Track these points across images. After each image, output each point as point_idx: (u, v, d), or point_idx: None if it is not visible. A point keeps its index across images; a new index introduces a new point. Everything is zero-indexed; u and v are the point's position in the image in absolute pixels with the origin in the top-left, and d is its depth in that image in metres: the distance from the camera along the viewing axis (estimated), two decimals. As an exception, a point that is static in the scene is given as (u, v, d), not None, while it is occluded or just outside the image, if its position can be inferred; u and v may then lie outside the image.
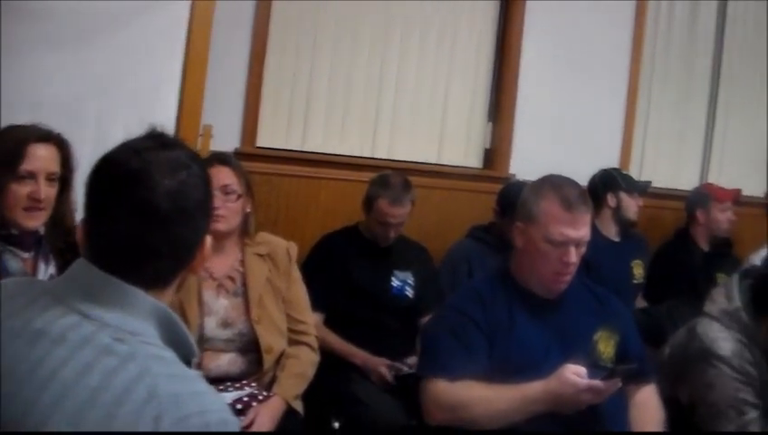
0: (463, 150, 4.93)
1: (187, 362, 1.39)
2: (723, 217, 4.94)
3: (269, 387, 3.02)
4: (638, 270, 4.69)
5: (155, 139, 1.43)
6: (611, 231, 4.68)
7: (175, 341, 1.40)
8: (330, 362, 3.55)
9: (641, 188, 4.73)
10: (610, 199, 4.65)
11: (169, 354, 1.35)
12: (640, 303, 4.73)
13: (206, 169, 1.47)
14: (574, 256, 2.57)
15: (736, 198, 5.06)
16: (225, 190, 3.00)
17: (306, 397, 3.15)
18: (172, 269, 1.43)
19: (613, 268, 4.54)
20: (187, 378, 1.33)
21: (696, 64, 5.71)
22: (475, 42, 4.93)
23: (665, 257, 4.90)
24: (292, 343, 3.12)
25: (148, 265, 1.38)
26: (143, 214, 1.35)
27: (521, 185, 3.46)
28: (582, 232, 2.58)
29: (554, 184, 2.63)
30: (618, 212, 4.66)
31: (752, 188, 5.89)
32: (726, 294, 2.83)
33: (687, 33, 5.65)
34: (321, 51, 4.52)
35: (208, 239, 1.47)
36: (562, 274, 2.60)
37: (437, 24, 4.81)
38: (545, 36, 4.98)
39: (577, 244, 2.57)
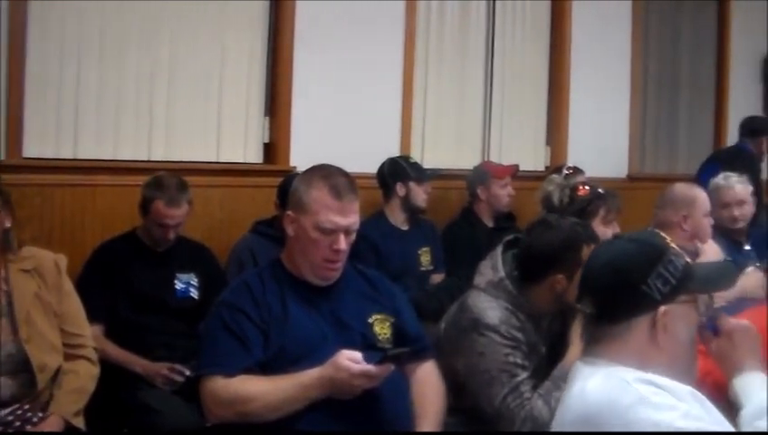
0: (242, 146, 4.89)
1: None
2: (502, 192, 5.13)
3: (47, 407, 2.88)
4: (426, 257, 4.80)
5: None
6: (399, 219, 4.77)
7: None
8: (116, 372, 3.48)
9: (429, 176, 4.82)
10: (399, 189, 4.74)
11: None
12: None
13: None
14: (344, 244, 2.62)
15: (514, 173, 5.27)
16: (-24, 207, 2.84)
17: (93, 411, 3.04)
18: None
19: (402, 256, 4.65)
20: None
21: (471, 45, 5.91)
22: (247, 37, 4.89)
23: (451, 236, 5.05)
24: (68, 357, 2.98)
25: None
26: None
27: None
28: (351, 219, 2.64)
29: (323, 173, 2.67)
30: (407, 200, 4.75)
31: (532, 163, 6.19)
32: (492, 266, 2.93)
33: (460, 15, 5.83)
34: (88, 53, 4.34)
35: None
36: (333, 261, 2.64)
37: (208, 21, 4.74)
38: (318, 29, 5.00)
39: (346, 231, 2.63)
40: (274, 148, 4.93)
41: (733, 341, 2.01)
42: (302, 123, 4.94)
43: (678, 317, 1.89)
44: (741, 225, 4.46)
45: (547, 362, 2.83)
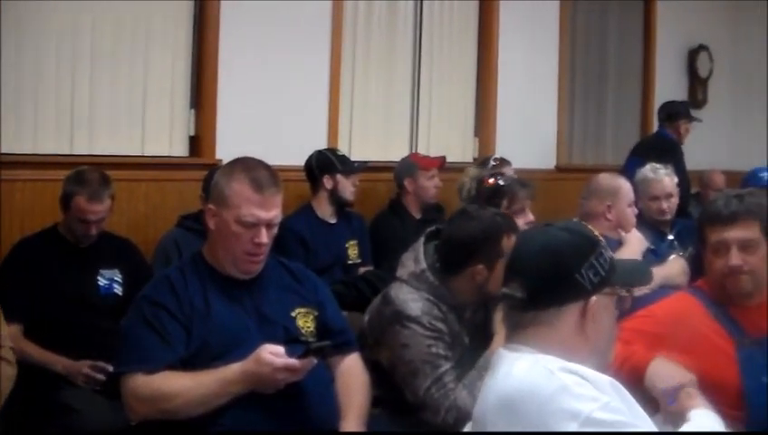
0: (167, 139, 4.81)
1: None
2: (429, 184, 5.15)
3: (-39, 412, 2.81)
4: (354, 250, 4.78)
5: None
6: (327, 212, 4.74)
7: None
8: (36, 372, 3.41)
9: (356, 169, 4.80)
10: (327, 181, 4.71)
11: None
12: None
13: None
14: (266, 237, 2.60)
15: (441, 165, 5.29)
16: None
17: (12, 413, 2.97)
18: None
19: (330, 249, 4.64)
20: None
21: (398, 38, 5.91)
22: (172, 28, 4.81)
23: (379, 228, 5.05)
24: (-17, 359, 2.91)
25: None
26: None
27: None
28: (273, 213, 2.62)
29: (245, 166, 2.64)
30: (334, 193, 4.72)
31: (461, 155, 6.22)
32: (414, 258, 2.94)
33: (388, 8, 5.83)
34: (6, 44, 4.21)
35: None
36: (255, 254, 2.62)
37: (132, 12, 4.65)
38: (244, 22, 4.95)
39: (268, 224, 2.60)
40: (200, 141, 4.87)
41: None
42: (229, 116, 4.89)
43: (603, 308, 1.92)
44: (668, 217, 4.53)
45: (471, 352, 2.85)
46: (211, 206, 2.65)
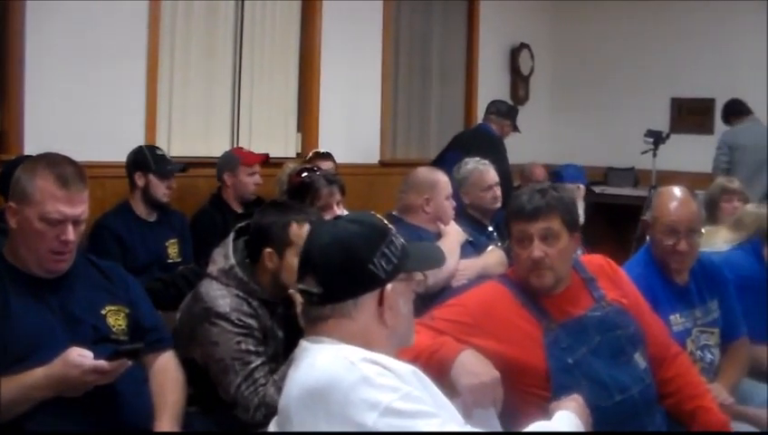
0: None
1: None
2: (249, 179, 5.10)
3: None
4: (174, 249, 4.68)
5: None
6: (145, 211, 4.61)
7: None
8: None
9: (170, 172, 4.64)
10: (138, 179, 4.57)
11: None
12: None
13: None
14: (72, 234, 2.51)
15: (264, 161, 5.25)
16: None
17: None
18: None
19: (148, 248, 4.52)
20: None
21: (219, 33, 5.84)
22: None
23: (200, 223, 4.98)
24: None
25: None
26: None
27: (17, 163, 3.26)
28: (80, 209, 2.53)
29: (48, 162, 2.55)
30: (146, 192, 4.59)
31: (283, 150, 6.20)
32: (224, 254, 2.92)
33: (208, 6, 5.73)
34: None
35: None
36: (61, 252, 2.52)
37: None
38: (54, 13, 4.77)
39: (75, 221, 2.52)
40: (6, 136, 4.67)
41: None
42: (37, 111, 4.71)
43: (399, 294, 1.96)
44: (499, 204, 4.65)
45: (285, 347, 2.84)
46: (12, 204, 2.53)
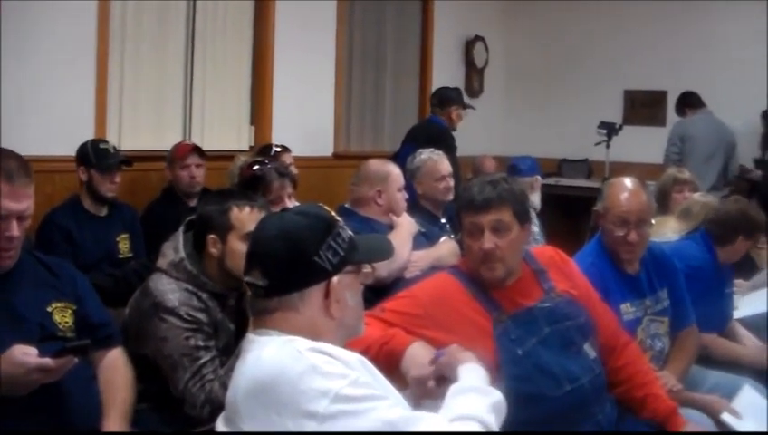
0: None
1: None
2: (184, 172, 5.04)
3: None
4: (125, 244, 4.61)
5: None
6: (92, 206, 4.53)
7: None
8: None
9: (110, 168, 4.50)
10: (82, 174, 4.48)
11: None
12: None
13: None
14: (17, 230, 2.45)
15: (199, 152, 5.15)
16: None
17: None
18: None
19: (98, 244, 4.46)
20: None
21: (171, 26, 5.77)
22: None
23: (151, 217, 4.92)
24: None
25: None
26: None
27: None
28: (24, 204, 2.46)
29: None
30: (90, 187, 4.50)
31: (236, 143, 6.17)
32: (174, 247, 2.90)
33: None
34: None
35: None
36: (6, 249, 2.46)
37: None
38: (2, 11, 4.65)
39: (19, 217, 2.45)
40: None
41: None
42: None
43: (346, 286, 1.96)
44: (452, 196, 4.66)
45: (237, 339, 2.82)
46: (-49, 200, 2.47)
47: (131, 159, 4.73)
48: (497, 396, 1.99)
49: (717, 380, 3.52)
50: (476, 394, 1.96)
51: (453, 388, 2.01)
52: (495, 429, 1.90)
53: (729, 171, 7.25)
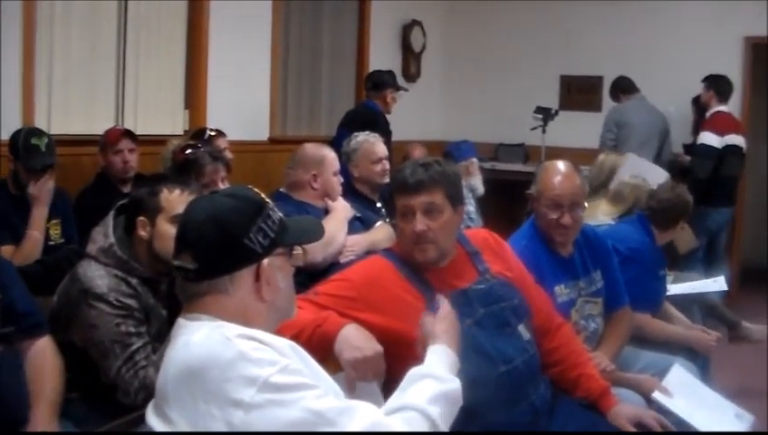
0: None
1: None
2: (117, 158, 4.94)
3: None
4: (56, 230, 4.49)
5: None
6: (20, 192, 4.40)
7: None
8: None
9: (34, 167, 4.22)
10: (10, 162, 4.34)
11: None
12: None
13: None
14: None
15: (131, 137, 5.06)
16: None
17: None
18: None
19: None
20: None
21: (102, 9, 5.65)
22: None
23: (84, 203, 4.79)
24: None
25: None
26: None
27: None
28: None
29: None
30: (15, 177, 4.36)
31: (171, 128, 6.08)
32: (104, 232, 2.84)
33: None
34: None
35: None
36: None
37: None
38: None
39: None
40: None
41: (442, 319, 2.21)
42: None
43: (277, 269, 1.94)
44: (387, 179, 4.64)
45: (169, 324, 2.76)
46: None
47: (61, 142, 4.60)
48: (453, 385, 2.00)
49: (649, 359, 3.59)
50: (432, 381, 1.97)
51: (411, 372, 2.01)
52: (439, 420, 1.90)
53: (663, 156, 7.35)
